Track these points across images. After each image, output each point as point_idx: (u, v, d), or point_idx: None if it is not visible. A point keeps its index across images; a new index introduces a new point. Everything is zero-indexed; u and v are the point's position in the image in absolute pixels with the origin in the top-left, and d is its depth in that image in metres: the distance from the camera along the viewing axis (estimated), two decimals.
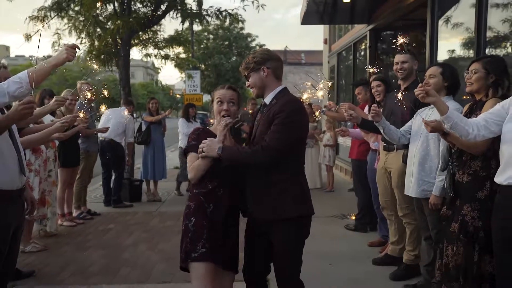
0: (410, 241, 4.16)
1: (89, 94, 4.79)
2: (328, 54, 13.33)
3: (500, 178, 2.59)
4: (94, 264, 4.72)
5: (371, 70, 4.56)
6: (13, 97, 2.86)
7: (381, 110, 3.92)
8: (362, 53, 10.00)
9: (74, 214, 6.56)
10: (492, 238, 2.69)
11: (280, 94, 2.70)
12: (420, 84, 2.86)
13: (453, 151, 3.14)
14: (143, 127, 8.11)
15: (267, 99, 2.72)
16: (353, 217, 6.07)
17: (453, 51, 5.92)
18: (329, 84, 3.16)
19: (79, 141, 6.44)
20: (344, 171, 10.65)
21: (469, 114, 3.08)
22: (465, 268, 2.89)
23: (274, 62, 2.72)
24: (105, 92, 4.77)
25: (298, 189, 2.68)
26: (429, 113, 3.51)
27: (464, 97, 3.18)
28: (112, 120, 7.25)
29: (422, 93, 2.79)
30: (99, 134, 7.13)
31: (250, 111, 8.76)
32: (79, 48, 3.16)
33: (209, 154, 2.60)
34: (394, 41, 3.28)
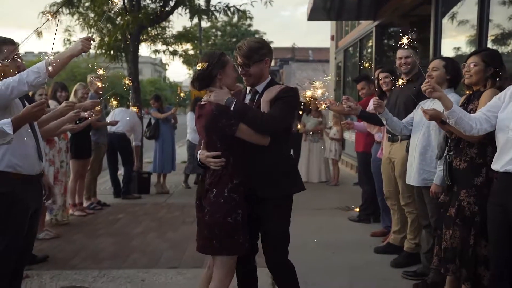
0: (411, 230, 4.29)
1: (99, 84, 4.91)
2: (335, 51, 13.43)
3: (497, 165, 2.72)
4: (105, 250, 4.89)
5: (366, 65, 4.68)
6: (31, 86, 3.01)
7: (386, 102, 4.04)
8: (369, 49, 10.10)
9: (85, 204, 6.73)
10: (487, 221, 2.82)
11: (270, 83, 2.82)
12: (426, 80, 2.99)
13: (449, 139, 3.27)
14: (152, 122, 8.30)
15: (260, 88, 2.81)
16: (357, 209, 6.20)
17: (458, 48, 6.00)
18: (328, 77, 3.25)
19: (90, 133, 6.62)
20: (349, 166, 10.77)
21: (467, 103, 3.20)
22: (461, 251, 3.01)
23: (272, 53, 2.85)
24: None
25: (294, 168, 2.92)
26: (431, 105, 3.62)
27: (468, 92, 3.28)
28: (121, 116, 7.42)
29: (429, 88, 2.90)
30: (109, 127, 7.30)
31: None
32: (94, 40, 3.31)
33: (217, 98, 2.63)
34: (403, 35, 3.37)
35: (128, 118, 7.50)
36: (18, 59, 3.04)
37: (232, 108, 2.61)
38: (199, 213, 2.74)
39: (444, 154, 3.30)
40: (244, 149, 2.68)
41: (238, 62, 2.79)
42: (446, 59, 3.79)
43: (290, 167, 2.89)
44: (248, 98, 2.88)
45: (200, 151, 2.78)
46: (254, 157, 2.71)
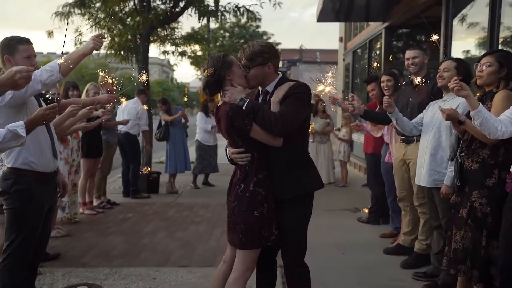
0: (423, 231, 4.28)
1: (110, 80, 4.92)
2: (344, 52, 13.43)
3: None
4: (115, 248, 4.93)
5: (375, 65, 4.70)
6: (45, 85, 3.06)
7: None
8: (378, 51, 10.09)
9: (95, 203, 6.79)
10: (504, 225, 2.80)
11: (281, 81, 2.79)
12: (454, 78, 2.99)
13: (461, 141, 3.27)
14: (163, 123, 8.33)
15: (270, 88, 2.80)
16: (366, 211, 6.20)
17: (467, 50, 6.00)
18: (333, 70, 3.24)
19: (101, 132, 6.67)
20: (358, 167, 10.76)
21: None
22: (473, 252, 3.02)
23: (277, 58, 2.82)
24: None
25: (312, 166, 2.85)
26: (441, 106, 3.63)
27: (479, 93, 3.28)
28: (125, 114, 7.45)
29: (458, 86, 2.88)
30: (118, 126, 7.34)
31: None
32: (104, 38, 3.35)
33: (231, 98, 2.66)
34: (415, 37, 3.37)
35: (133, 107, 7.52)
36: (34, 59, 3.09)
37: (244, 108, 2.62)
38: (228, 208, 2.80)
39: (456, 155, 3.30)
40: (263, 144, 2.69)
41: (241, 63, 2.79)
42: (457, 60, 3.79)
43: (308, 165, 2.83)
44: (260, 99, 2.88)
45: (228, 148, 2.84)
46: (272, 156, 2.70)
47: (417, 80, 3.84)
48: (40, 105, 3.14)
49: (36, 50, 3.22)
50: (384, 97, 3.88)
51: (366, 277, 4.11)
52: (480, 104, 2.84)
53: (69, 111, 3.58)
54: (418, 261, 4.23)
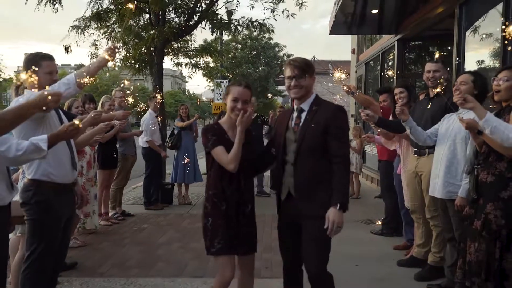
0: (436, 243, 4.28)
1: (130, 99, 5.05)
2: (356, 64, 13.48)
3: None
4: (131, 259, 4.99)
5: (389, 73, 4.77)
6: (63, 97, 3.16)
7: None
8: (390, 63, 10.13)
9: (110, 214, 6.88)
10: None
11: (316, 101, 2.95)
12: (457, 92, 3.09)
13: (479, 153, 3.29)
14: (175, 132, 8.43)
15: (304, 106, 2.93)
16: (379, 222, 6.20)
17: (481, 61, 6.02)
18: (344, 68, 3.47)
19: (117, 145, 6.78)
20: (370, 179, 10.74)
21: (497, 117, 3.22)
22: (488, 264, 3.03)
23: (314, 73, 2.98)
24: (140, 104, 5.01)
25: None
26: (456, 118, 3.66)
27: (494, 105, 3.31)
28: (142, 126, 7.61)
29: (461, 99, 2.99)
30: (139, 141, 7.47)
31: None
32: (118, 49, 3.47)
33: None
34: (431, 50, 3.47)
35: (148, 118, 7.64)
36: (55, 75, 3.19)
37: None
38: None
39: (473, 168, 3.31)
40: (220, 166, 2.91)
41: (289, 74, 2.90)
42: (475, 73, 3.80)
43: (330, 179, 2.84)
44: (294, 115, 2.97)
45: None
46: (299, 174, 2.85)
47: (436, 90, 3.90)
48: (60, 118, 3.23)
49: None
50: (397, 104, 3.92)
51: None
52: (488, 113, 2.89)
53: (100, 127, 3.90)
54: (431, 273, 4.23)
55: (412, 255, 4.74)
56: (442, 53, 3.91)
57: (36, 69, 2.80)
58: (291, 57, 32.22)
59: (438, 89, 3.86)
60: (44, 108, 2.56)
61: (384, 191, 6.08)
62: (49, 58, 3.14)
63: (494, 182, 3.10)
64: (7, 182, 2.72)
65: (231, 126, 3.01)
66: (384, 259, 4.95)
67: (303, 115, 2.91)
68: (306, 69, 2.87)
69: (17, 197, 3.41)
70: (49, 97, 2.54)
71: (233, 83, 3.08)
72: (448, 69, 4.39)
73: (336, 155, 2.79)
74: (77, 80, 3.26)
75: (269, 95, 35.39)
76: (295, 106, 3.00)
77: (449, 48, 6.63)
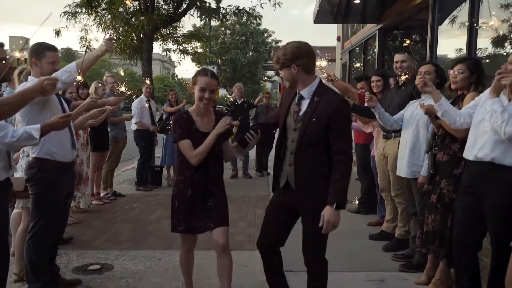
0: (401, 218, 4.72)
1: (123, 88, 5.33)
2: (341, 51, 13.81)
3: (468, 154, 3.13)
4: (123, 234, 5.36)
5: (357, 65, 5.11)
6: (65, 84, 3.50)
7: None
8: (371, 51, 10.48)
9: (102, 194, 7.22)
10: (456, 208, 3.25)
11: (318, 89, 2.81)
12: (420, 76, 3.48)
13: (436, 136, 3.69)
14: (164, 117, 8.74)
15: (305, 93, 2.82)
16: (356, 202, 6.62)
17: (455, 51, 6.38)
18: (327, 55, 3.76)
19: (108, 128, 7.10)
20: (353, 163, 11.14)
21: (452, 105, 3.63)
22: (441, 233, 3.46)
23: (304, 59, 2.76)
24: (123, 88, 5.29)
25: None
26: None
27: (451, 93, 3.70)
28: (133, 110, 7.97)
29: (422, 83, 3.42)
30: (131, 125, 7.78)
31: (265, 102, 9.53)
32: (115, 40, 3.78)
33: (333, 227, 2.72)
34: (405, 39, 3.88)
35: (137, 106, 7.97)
36: (57, 64, 3.50)
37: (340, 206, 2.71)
38: None
39: (431, 149, 3.73)
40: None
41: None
42: (436, 65, 4.20)
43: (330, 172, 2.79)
44: (295, 100, 2.90)
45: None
46: (299, 166, 2.81)
47: (402, 78, 4.29)
48: (61, 103, 3.56)
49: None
50: (366, 92, 4.30)
51: (352, 260, 4.54)
52: (443, 97, 3.28)
53: (94, 112, 4.22)
54: (398, 245, 4.67)
55: (382, 229, 5.17)
56: (411, 43, 4.24)
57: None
58: (280, 44, 32.13)
59: (403, 78, 4.25)
60: (42, 92, 2.86)
61: (361, 172, 6.50)
62: (52, 49, 3.45)
63: (449, 161, 3.51)
64: (6, 162, 2.92)
65: (200, 114, 3.15)
66: (358, 234, 5.38)
67: (304, 103, 2.82)
68: (283, 62, 2.78)
69: (20, 174, 3.78)
70: (46, 82, 2.84)
71: (198, 72, 3.15)
72: (414, 61, 4.75)
73: (338, 151, 2.71)
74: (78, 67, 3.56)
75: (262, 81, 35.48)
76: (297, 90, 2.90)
77: (426, 38, 6.97)
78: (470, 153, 3.08)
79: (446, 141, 3.57)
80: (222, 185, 3.30)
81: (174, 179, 3.30)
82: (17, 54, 3.13)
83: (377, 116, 4.30)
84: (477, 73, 3.53)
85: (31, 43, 3.60)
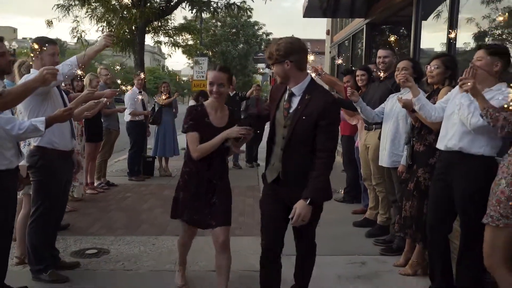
0: (382, 206, 4.99)
1: (118, 81, 5.51)
2: (330, 45, 14.03)
3: (440, 144, 3.39)
4: (118, 221, 5.57)
5: (339, 62, 5.35)
6: (66, 77, 3.69)
7: (363, 95, 4.71)
8: (359, 45, 10.71)
9: (95, 184, 7.40)
10: (430, 194, 3.51)
11: (309, 87, 2.81)
12: (402, 72, 3.76)
13: (414, 128, 3.94)
14: (156, 109, 8.91)
15: (296, 90, 2.82)
16: (342, 191, 6.88)
17: (438, 45, 6.63)
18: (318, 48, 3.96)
19: (102, 119, 7.27)
20: (338, 153, 11.41)
21: (428, 98, 3.88)
22: (417, 218, 3.72)
23: (297, 55, 2.75)
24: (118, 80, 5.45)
25: None
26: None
27: (428, 88, 3.96)
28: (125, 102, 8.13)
29: (403, 78, 3.66)
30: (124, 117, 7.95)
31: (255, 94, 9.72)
32: (114, 36, 3.96)
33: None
34: (390, 35, 4.10)
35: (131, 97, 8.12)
36: (57, 56, 3.69)
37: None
38: None
39: (410, 140, 3.98)
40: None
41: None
42: (414, 61, 4.45)
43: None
44: (286, 96, 2.90)
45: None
46: (289, 162, 2.83)
47: (381, 75, 4.53)
48: (62, 95, 3.75)
49: (24, 36, 3.81)
50: (348, 88, 4.54)
51: (336, 245, 4.79)
52: (421, 92, 3.54)
53: (90, 104, 4.41)
54: (379, 231, 4.94)
55: (365, 217, 5.43)
56: (397, 38, 4.49)
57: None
58: (271, 37, 31.95)
59: (384, 74, 4.49)
60: (43, 81, 3.05)
61: (346, 163, 6.76)
62: (52, 42, 3.64)
63: (425, 151, 3.76)
64: (16, 150, 3.18)
65: (214, 108, 3.21)
66: (343, 222, 5.64)
67: (294, 100, 2.82)
68: (276, 57, 2.76)
69: (22, 162, 3.96)
70: (45, 71, 3.04)
71: (209, 67, 3.44)
72: (396, 57, 4.99)
73: (322, 149, 2.72)
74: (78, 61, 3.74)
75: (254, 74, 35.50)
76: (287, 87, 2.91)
77: (410, 34, 7.21)
78: (441, 143, 3.34)
79: (423, 133, 3.83)
80: (226, 180, 3.34)
81: (182, 169, 3.35)
82: (6, 44, 3.29)
83: (359, 110, 4.54)
84: (451, 68, 3.79)
85: (19, 33, 3.77)
